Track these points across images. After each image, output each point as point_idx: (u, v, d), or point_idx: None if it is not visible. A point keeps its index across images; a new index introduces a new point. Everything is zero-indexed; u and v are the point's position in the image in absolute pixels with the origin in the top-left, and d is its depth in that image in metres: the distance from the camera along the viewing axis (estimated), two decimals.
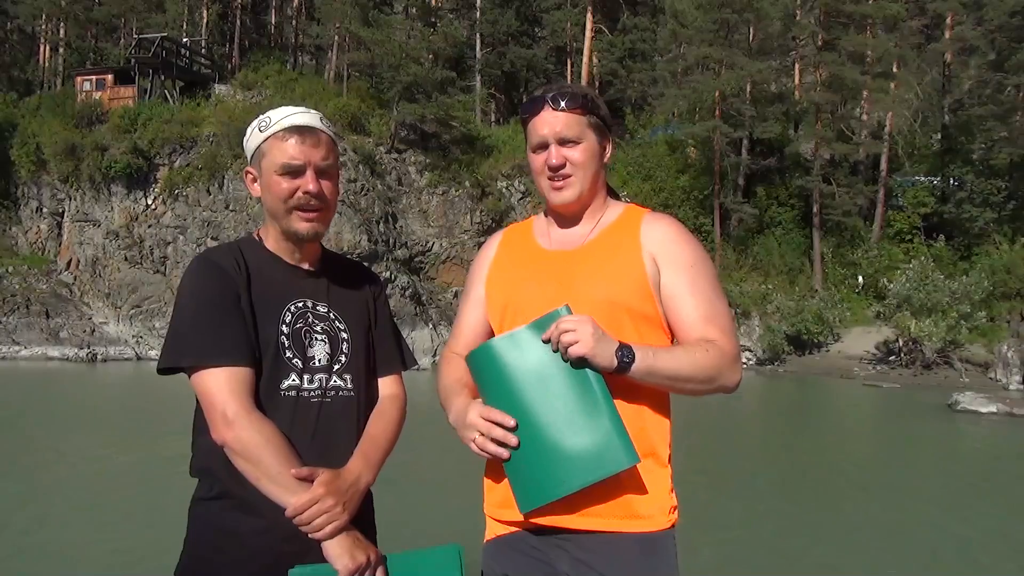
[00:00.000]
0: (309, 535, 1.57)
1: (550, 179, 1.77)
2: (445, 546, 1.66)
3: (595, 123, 1.78)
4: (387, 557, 1.64)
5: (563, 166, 1.75)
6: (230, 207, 26.82)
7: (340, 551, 1.56)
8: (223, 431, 1.59)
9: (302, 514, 1.56)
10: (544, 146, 1.77)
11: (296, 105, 1.89)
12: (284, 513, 1.57)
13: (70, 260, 28.11)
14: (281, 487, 1.57)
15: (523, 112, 1.83)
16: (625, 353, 1.57)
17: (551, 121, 1.75)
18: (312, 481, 1.58)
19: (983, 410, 15.60)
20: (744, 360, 25.32)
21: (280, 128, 1.72)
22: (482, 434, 1.62)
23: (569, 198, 1.78)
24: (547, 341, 1.58)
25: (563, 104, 1.75)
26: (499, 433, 1.60)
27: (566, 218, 1.84)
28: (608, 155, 1.82)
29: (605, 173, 1.86)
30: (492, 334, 1.84)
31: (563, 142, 1.75)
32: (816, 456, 11.64)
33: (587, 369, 1.57)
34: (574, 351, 1.54)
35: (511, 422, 1.59)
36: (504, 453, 1.60)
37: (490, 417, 1.61)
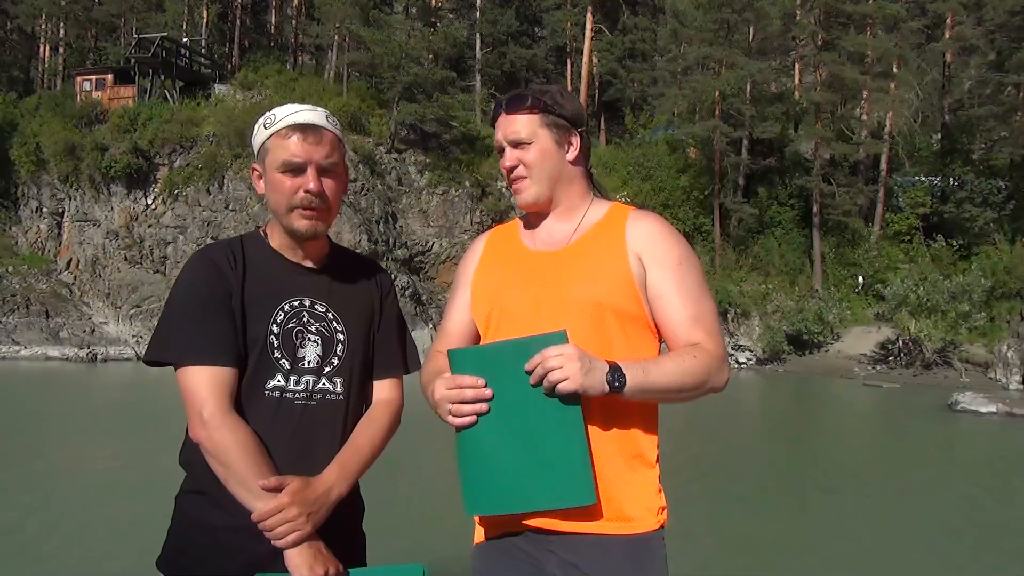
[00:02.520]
0: (272, 542, 1.56)
1: (509, 182, 1.80)
2: (409, 565, 1.63)
3: (551, 121, 1.77)
4: (350, 572, 1.62)
5: (516, 167, 1.77)
6: (230, 207, 26.82)
7: (300, 562, 1.56)
8: (198, 430, 1.60)
9: (265, 521, 1.55)
10: (503, 150, 1.79)
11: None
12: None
13: (70, 260, 28.11)
14: (248, 492, 1.57)
15: (491, 121, 1.85)
16: (616, 376, 1.54)
17: (503, 125, 1.78)
18: (281, 490, 1.57)
19: (983, 410, 15.61)
20: (744, 360, 25.30)
21: (284, 125, 1.71)
22: (453, 403, 1.60)
23: (528, 199, 1.79)
24: (530, 372, 1.53)
25: (514, 107, 1.77)
26: (470, 394, 1.58)
27: (543, 217, 1.83)
28: (574, 151, 1.80)
29: (585, 169, 1.84)
30: (478, 336, 1.83)
31: (516, 144, 1.76)
32: (816, 456, 11.64)
33: (569, 397, 1.53)
34: (563, 388, 1.50)
35: (481, 381, 1.57)
36: (483, 408, 1.57)
37: (458, 383, 1.59)
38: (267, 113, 1.76)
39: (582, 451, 1.55)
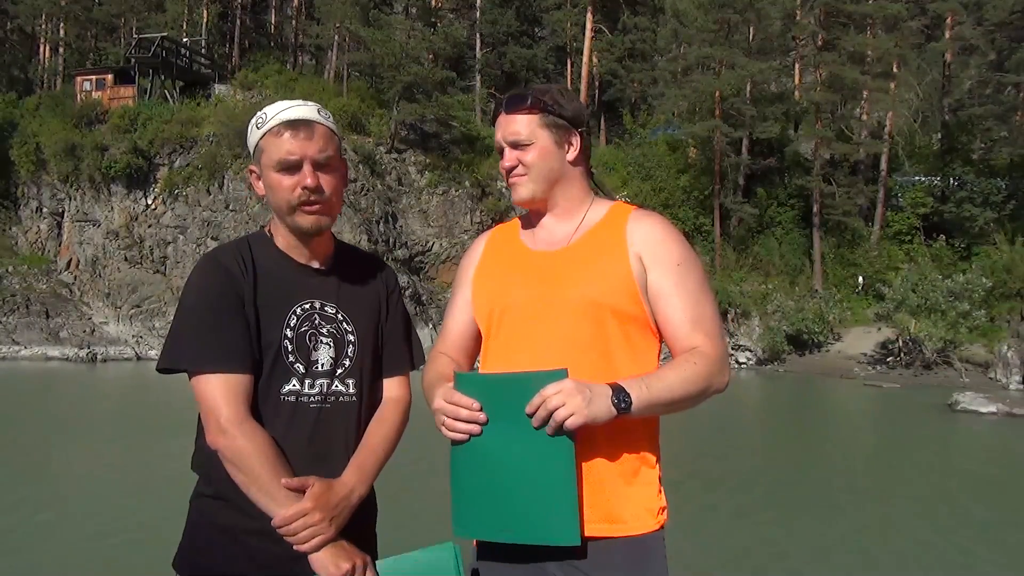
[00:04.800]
0: (294, 547, 1.57)
1: (507, 179, 1.80)
2: (440, 545, 1.64)
3: (551, 122, 1.76)
4: (381, 562, 1.63)
5: (515, 167, 1.77)
6: (230, 207, 26.83)
7: (326, 561, 1.56)
8: (216, 437, 1.60)
9: (288, 526, 1.56)
10: (503, 150, 1.79)
11: None
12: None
13: (70, 260, 28.12)
14: (269, 498, 1.57)
15: (491, 120, 1.86)
16: (621, 398, 1.53)
17: (503, 124, 1.77)
18: (303, 491, 1.58)
19: (983, 410, 15.61)
20: (744, 360, 25.30)
21: (275, 123, 1.69)
22: (448, 417, 1.61)
23: (523, 195, 1.78)
24: (531, 415, 1.51)
25: (513, 107, 1.76)
26: (465, 414, 1.58)
27: (542, 216, 1.83)
28: (574, 151, 1.79)
29: (585, 168, 1.83)
30: (479, 336, 1.83)
31: (515, 145, 1.76)
32: (816, 456, 11.64)
33: (564, 436, 1.52)
34: (571, 423, 1.49)
35: (476, 405, 1.58)
36: (475, 429, 1.58)
37: (453, 400, 1.60)
38: (258, 113, 1.74)
39: (571, 492, 1.55)
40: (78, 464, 9.52)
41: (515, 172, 1.77)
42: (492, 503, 1.59)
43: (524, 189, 1.77)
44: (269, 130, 1.69)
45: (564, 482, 1.54)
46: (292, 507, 1.56)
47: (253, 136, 1.73)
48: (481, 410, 1.58)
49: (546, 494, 1.55)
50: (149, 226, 27.53)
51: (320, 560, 1.56)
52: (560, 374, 1.52)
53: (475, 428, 1.58)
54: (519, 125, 1.75)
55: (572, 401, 1.48)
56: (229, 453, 1.59)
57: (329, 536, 1.58)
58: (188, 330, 1.65)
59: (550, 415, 1.50)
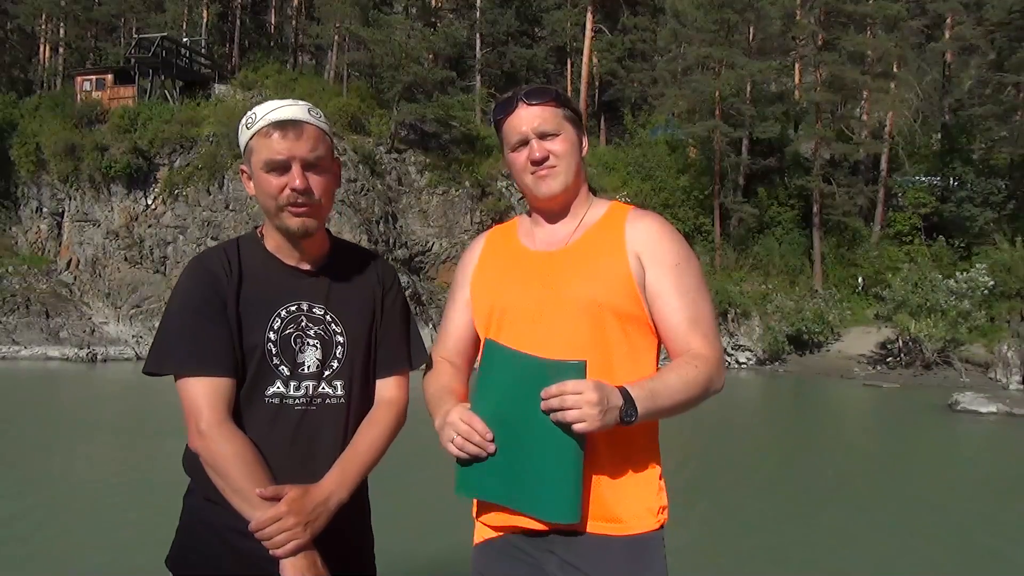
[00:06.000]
0: (269, 551, 1.56)
1: (534, 172, 1.75)
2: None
3: (570, 116, 1.78)
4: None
5: (547, 158, 1.74)
6: (230, 207, 26.83)
7: (293, 572, 1.56)
8: (196, 440, 1.61)
9: (263, 530, 1.55)
10: (524, 143, 1.75)
11: None
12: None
13: (70, 260, 28.10)
14: (245, 502, 1.57)
15: (496, 115, 1.81)
16: (629, 411, 1.52)
17: (528, 117, 1.74)
18: (280, 499, 1.57)
19: (983, 410, 15.59)
20: (744, 360, 25.31)
21: (265, 124, 1.67)
22: (460, 435, 1.60)
23: (556, 187, 1.75)
24: (546, 398, 1.51)
25: (539, 99, 1.75)
26: (477, 440, 1.58)
27: (551, 215, 1.82)
28: (585, 150, 1.81)
29: (584, 168, 1.84)
30: (478, 338, 1.82)
31: (543, 136, 1.74)
32: (815, 457, 11.63)
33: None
34: (579, 428, 1.49)
35: (489, 435, 1.58)
36: (481, 454, 1.59)
37: (472, 424, 1.59)
38: (248, 113, 1.72)
39: (576, 474, 1.56)
40: (77, 464, 9.52)
41: (546, 164, 1.74)
42: (499, 469, 1.60)
43: (556, 181, 1.75)
44: (258, 130, 1.67)
45: (570, 463, 1.55)
46: (268, 511, 1.55)
47: (243, 136, 1.71)
48: (493, 441, 1.58)
49: (551, 473, 1.56)
50: (149, 226, 27.53)
51: (288, 571, 1.56)
52: (578, 367, 1.52)
53: (481, 454, 1.59)
54: (548, 116, 1.74)
55: (588, 409, 1.47)
56: (207, 456, 1.60)
57: (304, 542, 1.57)
58: (172, 334, 1.66)
59: (560, 408, 1.50)
